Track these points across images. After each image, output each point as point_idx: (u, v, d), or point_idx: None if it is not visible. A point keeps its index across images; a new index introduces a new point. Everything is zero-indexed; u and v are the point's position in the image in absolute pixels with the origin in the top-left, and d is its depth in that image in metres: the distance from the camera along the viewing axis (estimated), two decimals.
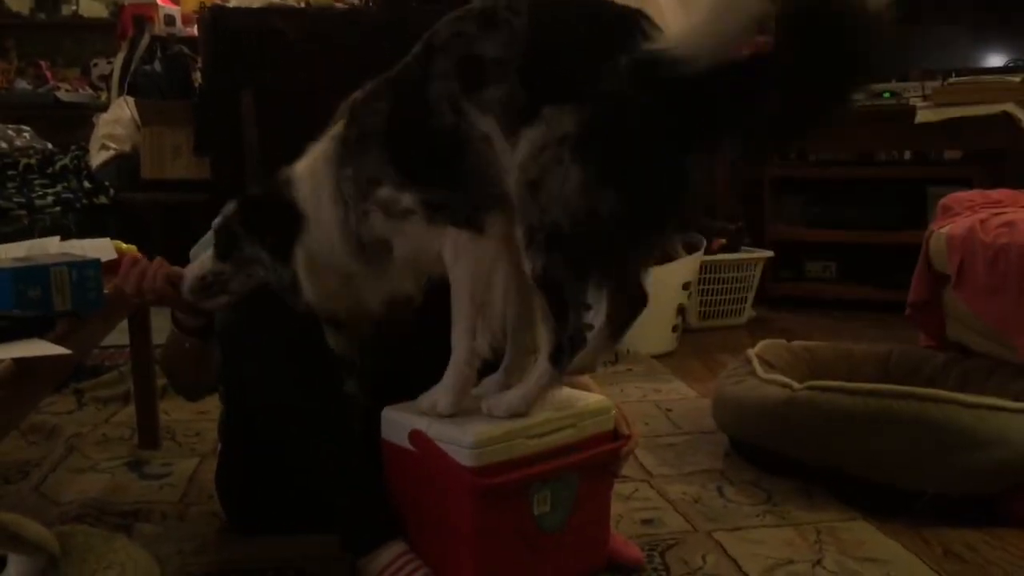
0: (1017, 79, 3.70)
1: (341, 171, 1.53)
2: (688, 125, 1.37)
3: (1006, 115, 3.62)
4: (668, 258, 3.43)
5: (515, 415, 1.53)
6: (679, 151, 1.39)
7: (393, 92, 1.52)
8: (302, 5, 4.06)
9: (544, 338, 1.51)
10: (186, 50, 4.74)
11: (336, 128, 1.57)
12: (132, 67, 4.85)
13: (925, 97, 3.90)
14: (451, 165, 1.46)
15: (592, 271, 1.47)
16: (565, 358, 1.50)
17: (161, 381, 2.84)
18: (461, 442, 1.48)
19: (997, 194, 2.76)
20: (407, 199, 1.49)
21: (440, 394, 1.54)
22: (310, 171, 1.57)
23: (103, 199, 4.28)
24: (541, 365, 1.52)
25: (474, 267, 1.49)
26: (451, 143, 1.45)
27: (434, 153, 1.47)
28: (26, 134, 4.69)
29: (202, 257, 1.65)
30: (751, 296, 4.05)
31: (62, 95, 5.97)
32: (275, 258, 1.57)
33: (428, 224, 1.49)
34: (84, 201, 4.22)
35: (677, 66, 1.33)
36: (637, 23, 1.43)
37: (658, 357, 3.43)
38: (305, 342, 1.65)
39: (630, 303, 1.59)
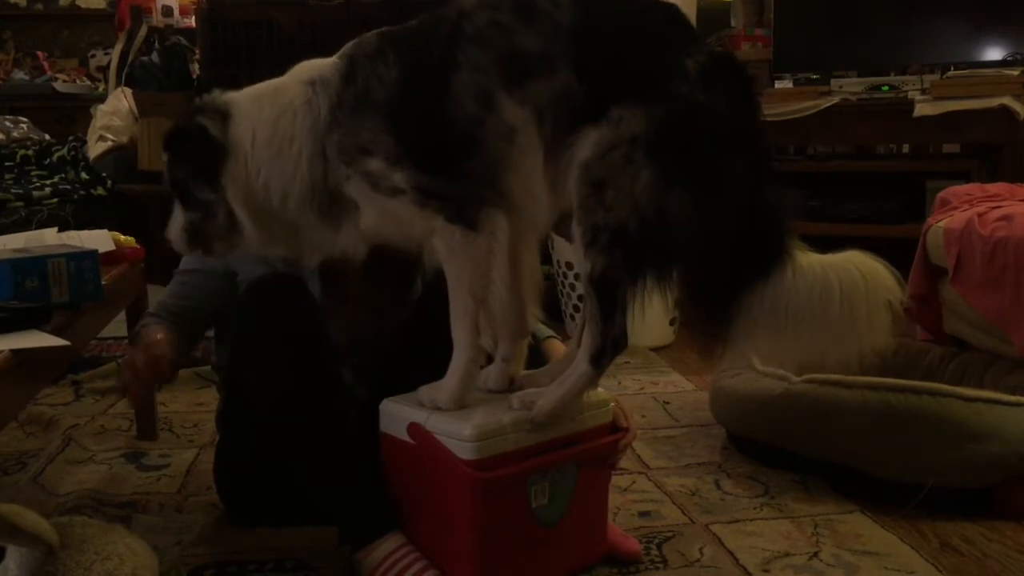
0: (1015, 73, 3.69)
1: (328, 134, 1.47)
2: (755, 129, 1.44)
3: (1004, 108, 3.62)
4: None
5: (554, 418, 1.53)
6: (748, 155, 1.43)
7: (406, 63, 1.46)
8: None
9: (586, 339, 1.50)
10: (184, 41, 4.73)
11: (323, 73, 1.50)
12: (130, 58, 4.83)
13: (923, 91, 3.89)
14: (457, 156, 1.44)
15: (649, 274, 1.45)
16: (607, 360, 1.49)
17: None
18: (459, 435, 1.48)
19: (995, 188, 2.76)
20: (399, 178, 1.45)
21: (443, 389, 1.54)
22: (272, 115, 1.50)
23: (100, 190, 4.27)
24: (582, 366, 1.51)
25: (471, 264, 1.47)
26: (464, 134, 1.43)
27: (443, 140, 1.44)
28: (23, 125, 4.68)
29: (175, 213, 1.61)
30: None
31: (59, 86, 5.96)
32: (200, 185, 1.52)
33: (418, 208, 1.46)
34: (81, 192, 4.21)
35: (744, 69, 1.40)
36: (687, 23, 1.47)
37: (656, 350, 3.43)
38: (304, 335, 1.65)
39: (619, 335, 1.49)
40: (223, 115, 1.52)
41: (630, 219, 1.39)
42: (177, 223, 1.58)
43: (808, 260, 1.46)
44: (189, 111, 1.56)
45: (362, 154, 1.46)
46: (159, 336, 1.69)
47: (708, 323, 1.53)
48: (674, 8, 1.49)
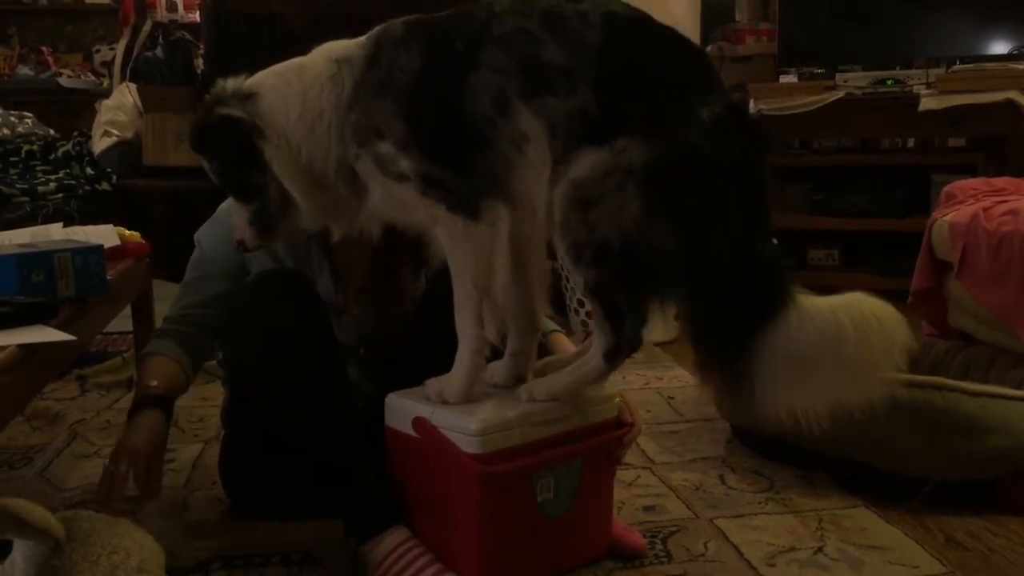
0: (1021, 66, 3.68)
1: (348, 111, 1.48)
2: (759, 185, 1.45)
3: (1010, 102, 3.61)
4: None
5: (553, 399, 1.56)
6: (747, 208, 1.45)
7: (429, 54, 1.46)
8: None
9: (598, 337, 1.51)
10: (188, 36, 4.73)
11: (349, 52, 1.51)
12: (134, 53, 4.83)
13: (929, 84, 3.88)
14: (465, 152, 1.44)
15: (645, 287, 1.47)
16: (621, 357, 1.52)
17: None
18: (465, 429, 1.48)
19: (1001, 182, 2.76)
20: (405, 164, 1.45)
21: (450, 382, 1.54)
22: (300, 88, 1.50)
23: (105, 185, 4.27)
24: (595, 360, 1.53)
25: (473, 254, 1.47)
26: (475, 133, 1.43)
27: (453, 134, 1.44)
28: (28, 120, 4.68)
29: (235, 212, 1.60)
30: None
31: (64, 81, 5.96)
32: (246, 170, 1.52)
33: (420, 196, 1.47)
34: (86, 187, 4.22)
35: (757, 126, 1.42)
36: (711, 69, 1.47)
37: (660, 344, 3.43)
38: (309, 329, 1.65)
39: (634, 334, 1.51)
40: (245, 97, 1.52)
41: (613, 238, 1.40)
42: (241, 220, 1.58)
43: (815, 303, 1.46)
44: (204, 106, 1.55)
45: (375, 136, 1.46)
46: (145, 429, 1.65)
47: (722, 372, 1.55)
48: (701, 53, 1.52)
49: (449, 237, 1.48)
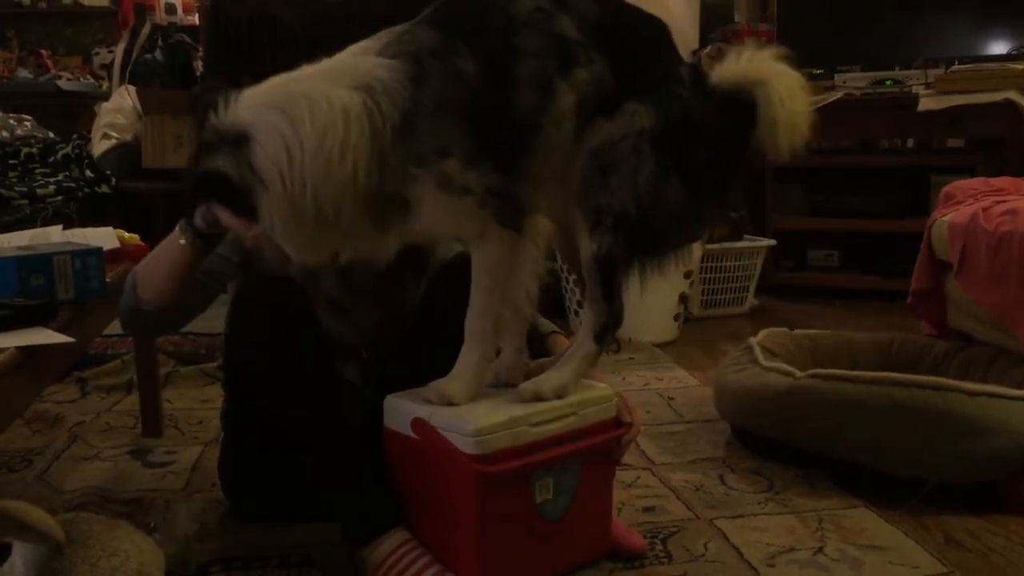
0: (1020, 67, 3.69)
1: (397, 142, 1.37)
2: (732, 126, 1.57)
3: (1009, 103, 3.61)
4: None
5: (559, 396, 1.57)
6: (728, 147, 1.58)
7: (478, 54, 1.40)
8: None
9: (588, 318, 1.57)
10: (187, 39, 4.73)
11: (380, 77, 1.38)
12: (133, 56, 4.84)
13: (928, 85, 3.89)
14: (524, 148, 1.45)
15: (642, 257, 1.55)
16: (609, 337, 1.57)
17: (164, 369, 2.86)
18: (464, 430, 1.48)
19: (1000, 182, 2.76)
20: (471, 178, 1.39)
21: (453, 383, 1.54)
22: (317, 128, 1.36)
23: (105, 188, 4.27)
24: (586, 343, 1.58)
25: (509, 267, 1.48)
26: (529, 124, 1.45)
27: (515, 133, 1.44)
28: (27, 123, 4.68)
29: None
30: (753, 285, 4.05)
31: (63, 84, 5.96)
32: (245, 213, 1.42)
33: (479, 209, 1.42)
34: (86, 190, 4.21)
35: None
36: (670, 37, 1.59)
37: (660, 345, 3.44)
38: (305, 331, 1.65)
39: (620, 312, 1.58)
40: (238, 141, 1.38)
41: (630, 204, 1.49)
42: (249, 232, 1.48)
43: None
44: (196, 149, 1.44)
45: (437, 155, 1.39)
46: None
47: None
48: (654, 16, 1.60)
49: (495, 249, 1.46)
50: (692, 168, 1.53)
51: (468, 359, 1.54)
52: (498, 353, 1.62)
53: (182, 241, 1.58)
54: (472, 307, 1.51)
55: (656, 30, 1.57)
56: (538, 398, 1.56)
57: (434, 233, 1.53)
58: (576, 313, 3.46)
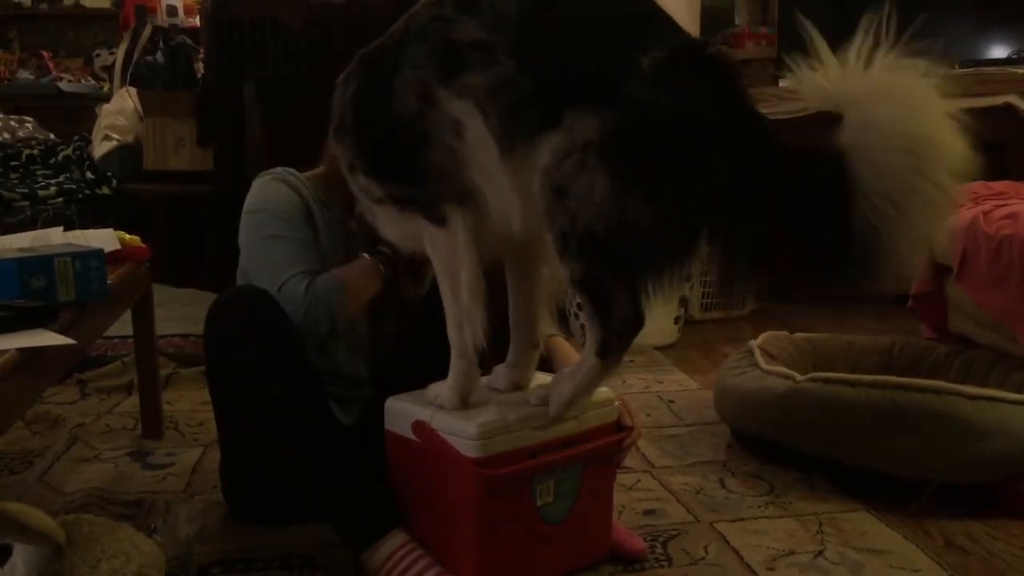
0: (1021, 71, 3.69)
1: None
2: (716, 124, 1.32)
3: (1009, 107, 3.61)
4: None
5: (567, 409, 1.56)
6: (709, 152, 1.33)
7: (363, 76, 1.53)
8: None
9: (587, 334, 1.48)
10: (188, 41, 4.74)
11: None
12: (134, 58, 4.84)
13: None
14: (410, 156, 1.45)
15: (635, 273, 1.41)
16: (613, 352, 1.47)
17: (164, 371, 2.86)
18: (464, 433, 1.48)
19: (1000, 186, 2.76)
20: (376, 189, 1.53)
21: (444, 387, 1.55)
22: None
23: (106, 190, 4.28)
24: (589, 360, 1.49)
25: (444, 260, 1.51)
26: (411, 132, 1.44)
27: (395, 143, 1.47)
28: (28, 125, 4.70)
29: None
30: (753, 287, 4.05)
31: (64, 86, 5.98)
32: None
33: (399, 212, 1.53)
34: (87, 191, 4.22)
35: (716, 61, 1.34)
36: (648, 12, 1.38)
37: (660, 348, 3.44)
38: (281, 346, 1.63)
39: (623, 325, 1.45)
40: None
41: (595, 225, 1.33)
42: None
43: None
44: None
45: (352, 172, 1.56)
46: None
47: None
48: (637, 4, 1.40)
49: (430, 243, 1.52)
50: (662, 178, 1.32)
51: (451, 362, 1.55)
52: (502, 359, 1.62)
53: (380, 267, 1.74)
54: (446, 309, 1.53)
55: (607, 14, 1.36)
56: (543, 404, 1.56)
57: (394, 239, 1.61)
58: (576, 315, 3.46)
